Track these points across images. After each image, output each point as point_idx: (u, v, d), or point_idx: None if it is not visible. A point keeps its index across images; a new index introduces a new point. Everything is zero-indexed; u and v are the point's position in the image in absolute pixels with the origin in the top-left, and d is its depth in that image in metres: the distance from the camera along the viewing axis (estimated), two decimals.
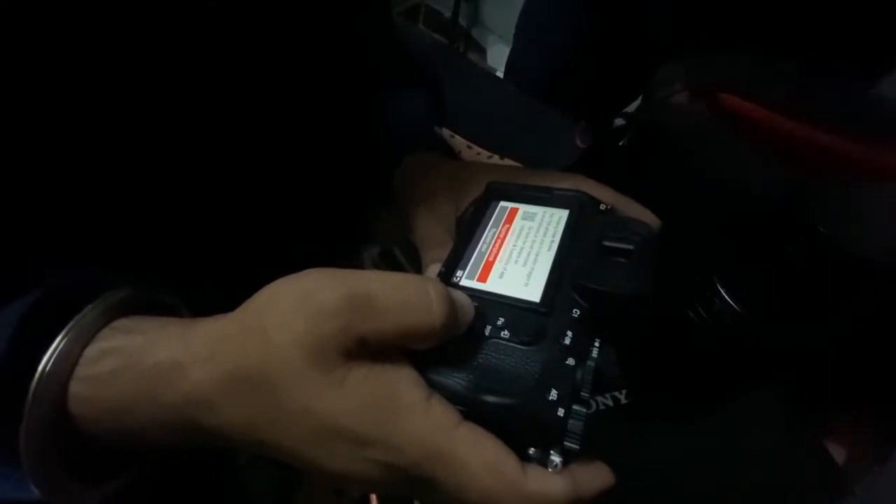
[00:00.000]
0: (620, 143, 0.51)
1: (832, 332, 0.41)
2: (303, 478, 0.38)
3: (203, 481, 0.36)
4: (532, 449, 0.21)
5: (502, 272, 0.27)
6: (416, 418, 0.21)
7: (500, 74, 0.91)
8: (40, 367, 0.22)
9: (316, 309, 0.20)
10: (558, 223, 0.29)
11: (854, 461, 0.42)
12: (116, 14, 0.26)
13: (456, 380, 0.22)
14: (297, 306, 0.21)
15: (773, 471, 0.40)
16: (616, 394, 0.42)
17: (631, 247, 0.24)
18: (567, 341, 0.23)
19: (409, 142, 0.42)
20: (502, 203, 0.32)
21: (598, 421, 0.40)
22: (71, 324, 0.23)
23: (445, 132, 0.63)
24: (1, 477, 0.23)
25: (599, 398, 0.41)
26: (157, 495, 0.29)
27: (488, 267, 0.27)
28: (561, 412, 0.21)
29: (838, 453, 0.42)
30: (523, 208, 0.31)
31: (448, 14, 1.00)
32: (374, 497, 0.38)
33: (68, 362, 0.23)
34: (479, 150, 0.65)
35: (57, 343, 0.23)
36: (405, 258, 0.50)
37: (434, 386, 0.22)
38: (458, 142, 0.65)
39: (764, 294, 0.39)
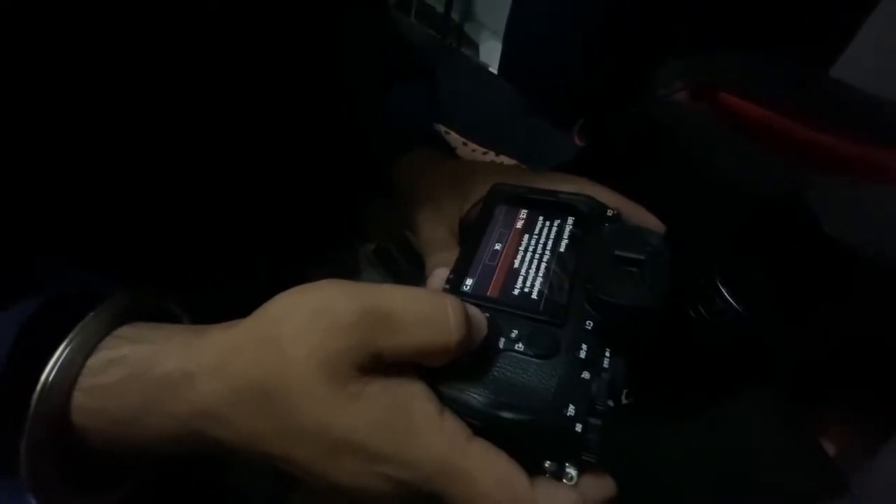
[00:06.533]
0: (619, 142, 0.51)
1: (832, 331, 0.41)
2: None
3: (197, 479, 0.36)
4: (548, 462, 0.21)
5: (513, 281, 0.27)
6: (430, 434, 0.21)
7: (493, 70, 0.90)
8: (42, 378, 0.22)
9: (332, 323, 0.20)
10: (566, 229, 0.29)
11: (844, 456, 0.43)
12: (119, 16, 0.26)
13: (472, 395, 0.22)
14: (312, 320, 0.20)
15: (772, 468, 0.41)
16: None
17: (643, 257, 0.24)
18: (582, 354, 0.23)
19: (407, 137, 0.42)
20: (508, 207, 0.31)
21: None
22: (74, 332, 0.22)
23: (441, 128, 0.63)
24: None
25: None
26: (150, 493, 0.29)
27: (499, 276, 0.27)
28: (579, 427, 0.21)
29: (829, 448, 0.43)
30: (530, 213, 0.31)
31: (440, 8, 1.00)
32: None
33: (71, 372, 0.22)
34: (475, 146, 0.64)
35: (60, 352, 0.22)
36: (401, 255, 0.49)
37: (448, 400, 0.22)
38: (454, 138, 0.64)
39: (765, 293, 0.40)
